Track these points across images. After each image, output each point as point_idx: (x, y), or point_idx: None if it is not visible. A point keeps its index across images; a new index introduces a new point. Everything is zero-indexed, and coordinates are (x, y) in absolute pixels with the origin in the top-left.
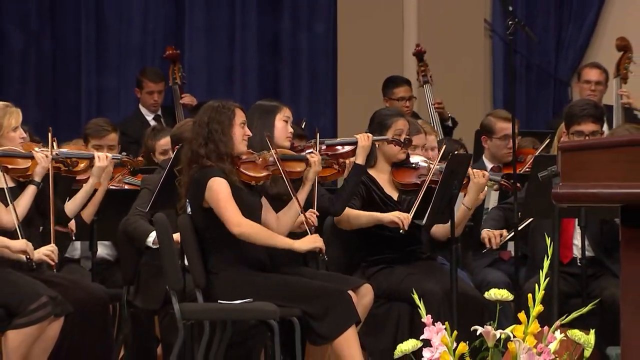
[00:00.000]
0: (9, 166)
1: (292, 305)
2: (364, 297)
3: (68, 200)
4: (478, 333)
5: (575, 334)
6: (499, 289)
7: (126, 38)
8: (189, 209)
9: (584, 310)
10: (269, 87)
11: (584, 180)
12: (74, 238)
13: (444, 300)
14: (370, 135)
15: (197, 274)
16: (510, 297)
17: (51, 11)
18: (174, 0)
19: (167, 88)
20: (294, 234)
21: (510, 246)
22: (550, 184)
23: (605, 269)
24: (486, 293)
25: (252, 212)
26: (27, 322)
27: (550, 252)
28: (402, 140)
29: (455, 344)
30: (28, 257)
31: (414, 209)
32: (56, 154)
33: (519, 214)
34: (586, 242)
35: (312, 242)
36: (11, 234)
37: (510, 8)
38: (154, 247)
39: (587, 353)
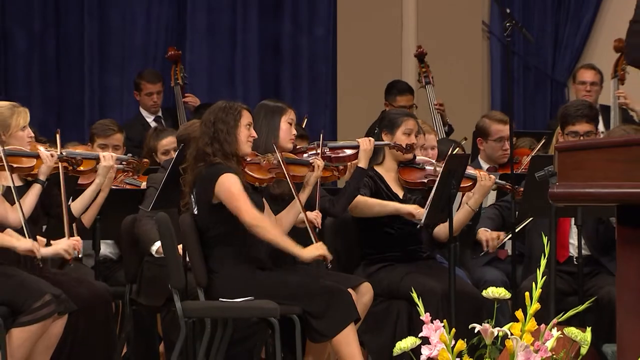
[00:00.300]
0: (14, 165)
1: (293, 303)
2: (363, 295)
3: (71, 201)
4: (476, 331)
5: (572, 331)
6: (496, 287)
7: (129, 39)
8: (195, 209)
9: (581, 308)
10: (270, 89)
11: (580, 180)
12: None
13: (442, 299)
14: (372, 139)
15: (199, 272)
16: (508, 295)
17: (55, 12)
18: (177, 2)
19: (169, 89)
20: (295, 231)
21: (508, 245)
22: (547, 183)
23: (601, 268)
24: (484, 291)
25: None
26: (31, 320)
27: (547, 251)
28: (404, 146)
29: (453, 342)
30: (34, 256)
31: (427, 209)
32: (62, 153)
33: (517, 213)
34: (582, 241)
35: (317, 250)
36: (17, 232)
37: (508, 10)
38: (157, 256)
39: (584, 350)
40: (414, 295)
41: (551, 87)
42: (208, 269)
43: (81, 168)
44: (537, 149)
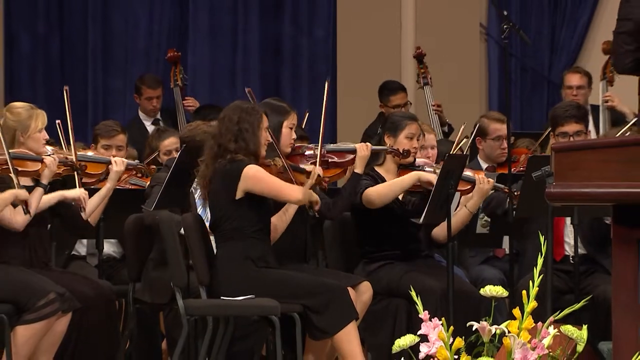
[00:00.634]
0: (19, 169)
1: (293, 301)
2: (362, 294)
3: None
4: (474, 328)
5: (568, 329)
6: (494, 285)
7: (132, 41)
8: (199, 209)
9: (577, 306)
10: (271, 90)
11: (576, 180)
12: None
13: (441, 297)
14: (369, 145)
15: (201, 271)
16: (505, 293)
17: (59, 15)
18: (179, 4)
19: (168, 90)
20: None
21: (505, 244)
22: (544, 183)
23: (597, 266)
24: (482, 290)
25: (269, 211)
26: (35, 318)
27: (544, 249)
28: (401, 152)
29: (451, 339)
30: (81, 206)
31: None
32: (66, 158)
33: (514, 213)
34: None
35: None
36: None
37: (505, 12)
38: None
39: (580, 348)
40: (413, 293)
41: (548, 88)
42: (210, 267)
43: (88, 172)
44: (534, 148)
